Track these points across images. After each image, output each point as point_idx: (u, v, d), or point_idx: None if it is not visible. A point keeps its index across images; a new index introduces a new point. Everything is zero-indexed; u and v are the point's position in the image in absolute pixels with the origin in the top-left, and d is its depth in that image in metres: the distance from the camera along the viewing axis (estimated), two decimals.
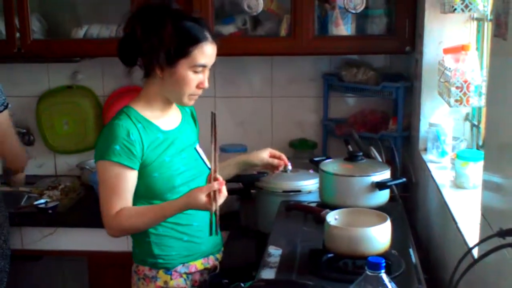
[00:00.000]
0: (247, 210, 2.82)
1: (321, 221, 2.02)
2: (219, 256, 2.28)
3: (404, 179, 2.32)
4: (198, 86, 2.06)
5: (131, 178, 2.03)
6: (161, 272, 2.13)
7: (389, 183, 2.22)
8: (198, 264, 2.19)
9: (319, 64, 3.29)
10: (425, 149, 2.61)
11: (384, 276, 1.50)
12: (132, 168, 2.02)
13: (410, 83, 2.97)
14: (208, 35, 2.04)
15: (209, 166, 2.21)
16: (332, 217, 1.92)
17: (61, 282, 3.56)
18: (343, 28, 2.96)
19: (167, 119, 2.16)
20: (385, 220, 1.85)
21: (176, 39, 1.98)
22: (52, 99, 3.43)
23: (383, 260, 1.50)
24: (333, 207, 2.11)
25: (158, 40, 1.98)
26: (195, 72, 2.03)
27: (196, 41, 2.01)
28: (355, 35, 2.97)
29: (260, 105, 3.37)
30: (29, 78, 3.47)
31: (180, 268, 2.15)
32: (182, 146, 2.17)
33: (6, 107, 2.49)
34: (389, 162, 2.75)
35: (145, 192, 2.08)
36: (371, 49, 2.95)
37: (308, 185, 2.54)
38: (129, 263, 2.23)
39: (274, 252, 1.99)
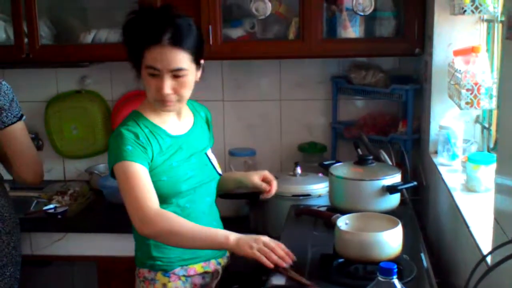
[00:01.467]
0: (256, 214, 2.81)
1: (331, 225, 2.01)
2: (222, 260, 2.25)
3: (415, 183, 2.30)
4: (157, 91, 1.99)
5: (146, 173, 2.01)
6: (159, 274, 2.12)
7: (399, 187, 2.20)
8: (198, 268, 2.17)
9: (328, 66, 3.27)
10: (436, 152, 2.59)
11: (396, 281, 1.49)
12: (145, 167, 2.01)
13: (419, 85, 2.95)
14: (164, 38, 1.94)
15: (219, 171, 2.23)
16: (343, 222, 1.91)
17: (70, 287, 3.56)
18: (351, 30, 2.94)
19: (176, 123, 2.15)
20: (396, 225, 1.83)
21: (131, 42, 2.01)
22: (61, 104, 3.43)
23: (395, 266, 1.49)
24: (343, 211, 2.10)
25: (125, 43, 2.03)
26: (152, 75, 1.98)
27: (146, 43, 1.96)
28: (364, 37, 2.96)
29: (268, 109, 3.36)
30: (38, 83, 3.47)
31: (178, 271, 2.13)
32: (191, 151, 2.15)
33: (20, 119, 2.47)
34: (399, 165, 2.73)
35: None
36: (380, 52, 2.93)
37: (318, 189, 2.53)
38: None
39: None
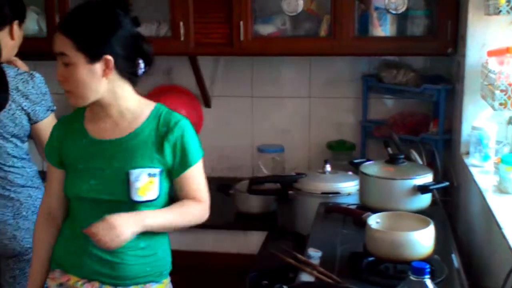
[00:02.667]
0: (284, 211, 2.81)
1: (361, 223, 2.01)
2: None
3: (447, 183, 2.29)
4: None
5: (50, 172, 2.06)
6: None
7: (431, 187, 2.19)
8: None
9: (358, 64, 3.26)
10: (467, 153, 2.57)
11: (428, 281, 1.48)
12: (49, 162, 2.05)
13: (451, 85, 2.92)
14: (59, 25, 1.95)
15: (134, 197, 1.89)
16: (374, 220, 1.90)
17: None
18: (380, 29, 2.93)
19: (106, 126, 1.97)
20: (428, 225, 1.82)
21: None
22: None
23: (428, 266, 1.48)
24: (373, 210, 2.09)
25: None
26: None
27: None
28: (395, 36, 2.93)
29: (298, 106, 3.35)
30: None
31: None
32: (106, 161, 1.94)
33: (53, 111, 2.49)
34: (430, 165, 2.71)
35: None
36: (412, 51, 2.91)
37: (347, 187, 2.52)
38: None
39: (314, 254, 1.97)
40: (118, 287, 1.96)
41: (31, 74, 2.44)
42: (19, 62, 2.57)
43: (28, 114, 2.41)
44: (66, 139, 2.01)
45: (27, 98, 2.40)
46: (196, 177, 2.01)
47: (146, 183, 1.91)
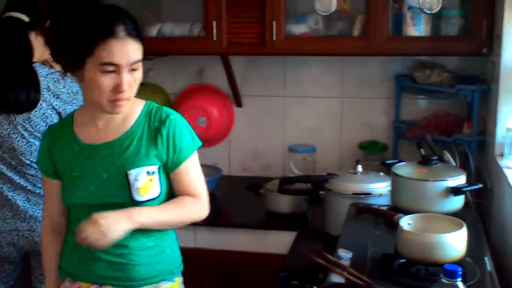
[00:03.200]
0: (315, 211, 2.81)
1: (393, 225, 1.99)
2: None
3: (480, 185, 2.26)
4: (115, 90, 1.79)
5: (46, 184, 2.06)
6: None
7: (464, 189, 2.16)
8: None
9: (391, 65, 3.23)
10: (501, 155, 2.53)
11: (460, 284, 1.47)
12: (44, 174, 2.05)
13: (486, 85, 2.88)
14: (119, 31, 1.76)
15: (136, 197, 1.88)
16: (406, 222, 1.88)
17: None
18: (414, 29, 2.90)
19: (97, 130, 1.93)
20: (461, 227, 1.80)
21: (76, 37, 1.76)
22: None
23: (460, 268, 1.47)
24: (405, 212, 2.07)
25: (58, 39, 1.81)
26: (106, 72, 1.77)
27: (99, 37, 1.75)
28: (430, 36, 2.90)
29: (329, 106, 3.34)
30: None
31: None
32: (104, 165, 1.91)
33: None
34: (463, 166, 2.68)
35: None
36: (446, 51, 2.88)
37: (379, 188, 2.50)
38: None
39: (344, 255, 1.96)
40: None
41: (63, 73, 2.45)
42: (53, 63, 2.60)
43: (59, 114, 2.42)
44: (57, 148, 1.97)
45: (58, 98, 2.41)
46: (191, 172, 1.96)
47: (146, 181, 1.89)
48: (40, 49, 2.46)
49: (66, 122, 2.00)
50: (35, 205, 2.46)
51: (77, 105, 2.45)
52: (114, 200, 1.88)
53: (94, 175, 1.90)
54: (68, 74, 2.28)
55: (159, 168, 1.91)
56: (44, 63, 2.51)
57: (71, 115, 2.01)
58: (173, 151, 1.92)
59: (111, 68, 1.76)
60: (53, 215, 2.05)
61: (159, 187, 1.91)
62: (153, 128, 1.92)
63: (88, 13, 1.79)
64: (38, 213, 2.46)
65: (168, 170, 1.94)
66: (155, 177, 1.91)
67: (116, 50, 1.75)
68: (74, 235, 1.84)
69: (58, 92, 2.41)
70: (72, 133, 1.95)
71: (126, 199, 1.87)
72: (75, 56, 1.78)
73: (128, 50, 1.77)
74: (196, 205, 1.96)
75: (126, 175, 1.87)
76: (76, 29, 1.77)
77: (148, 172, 1.89)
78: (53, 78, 2.42)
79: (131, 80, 1.81)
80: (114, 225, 1.80)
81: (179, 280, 2.04)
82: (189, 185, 1.96)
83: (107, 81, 1.77)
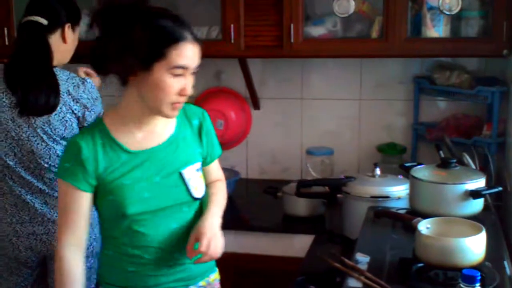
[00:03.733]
0: (332, 215, 2.80)
1: (411, 229, 1.97)
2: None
3: (500, 188, 2.23)
4: (180, 93, 1.82)
5: (79, 198, 1.86)
6: None
7: (484, 192, 2.14)
8: None
9: (410, 66, 3.21)
10: None
11: None
12: (79, 189, 1.85)
13: (506, 87, 2.85)
14: (187, 35, 1.80)
15: (195, 194, 1.95)
16: (424, 226, 1.86)
17: None
18: (434, 30, 2.87)
19: (138, 137, 1.91)
20: (480, 231, 1.77)
21: (148, 40, 1.76)
22: None
23: (479, 273, 1.45)
24: (424, 215, 2.04)
25: (126, 41, 1.77)
26: (174, 75, 1.79)
27: (172, 41, 1.77)
28: (449, 37, 2.88)
29: (348, 108, 3.32)
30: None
31: None
32: (155, 170, 1.90)
33: None
34: (483, 169, 2.65)
35: (99, 216, 1.97)
36: (466, 52, 2.85)
37: (397, 191, 2.48)
38: None
39: (362, 259, 1.94)
40: (189, 287, 2.02)
41: (83, 79, 2.47)
42: (94, 75, 2.60)
43: (78, 118, 2.44)
44: (101, 159, 1.86)
45: (77, 102, 2.43)
46: (217, 161, 2.12)
47: (197, 178, 1.96)
48: (59, 53, 2.49)
49: (99, 131, 1.88)
50: (52, 208, 2.47)
51: (95, 111, 2.47)
52: (173, 202, 1.92)
53: (146, 181, 1.89)
54: (88, 79, 2.29)
55: (201, 164, 2.01)
56: (88, 75, 2.55)
57: (101, 123, 1.90)
58: (212, 146, 2.04)
59: (180, 71, 1.79)
60: (79, 234, 1.90)
61: (204, 182, 2.01)
62: (195, 125, 2.00)
63: (158, 16, 1.81)
64: (56, 216, 2.47)
65: (207, 163, 2.06)
66: (201, 173, 2.00)
67: (187, 54, 1.79)
68: (131, 247, 1.91)
69: (78, 97, 2.43)
70: (114, 141, 1.88)
71: (185, 198, 1.94)
72: (144, 58, 1.77)
73: (195, 54, 1.82)
74: (224, 186, 2.13)
75: (181, 175, 1.92)
76: (148, 32, 1.77)
77: (197, 169, 1.97)
78: (73, 83, 2.43)
79: (192, 84, 1.86)
80: (219, 230, 1.94)
81: (218, 270, 2.13)
82: (218, 172, 2.13)
83: (175, 84, 1.80)
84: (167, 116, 1.87)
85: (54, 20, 2.45)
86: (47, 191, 2.46)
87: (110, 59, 1.81)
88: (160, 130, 1.94)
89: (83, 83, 2.45)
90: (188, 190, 1.93)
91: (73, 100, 2.42)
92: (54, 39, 2.46)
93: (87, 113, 2.45)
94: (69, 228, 1.88)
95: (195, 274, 2.01)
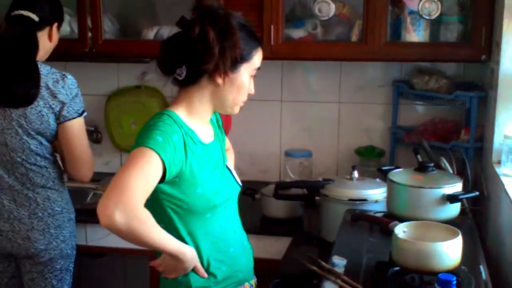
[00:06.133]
0: (310, 217, 2.79)
1: (388, 232, 1.98)
2: (253, 282, 2.18)
3: (477, 193, 2.24)
4: (248, 93, 2.00)
5: (158, 173, 1.76)
6: None
7: (461, 196, 2.15)
8: None
9: (389, 70, 3.22)
10: (499, 162, 2.51)
11: None
12: (165, 166, 1.77)
13: (484, 92, 2.87)
14: (259, 39, 2.01)
15: (240, 183, 2.10)
16: (401, 230, 1.87)
17: (123, 279, 3.60)
18: (414, 34, 2.89)
19: (205, 131, 2.00)
20: (456, 235, 1.78)
21: (243, 43, 1.88)
22: (121, 98, 3.47)
23: (455, 278, 1.45)
24: (401, 219, 2.05)
25: (230, 43, 1.85)
26: (250, 77, 1.96)
27: (258, 44, 1.95)
28: (428, 41, 2.89)
29: (327, 111, 3.33)
30: (99, 77, 3.53)
31: None
32: (215, 162, 2.00)
33: (80, 115, 2.50)
34: (460, 173, 2.66)
35: (183, 210, 1.90)
36: (445, 57, 2.87)
37: (375, 194, 2.49)
38: None
39: (339, 262, 1.95)
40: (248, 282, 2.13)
41: (64, 74, 2.47)
42: None
43: (54, 114, 2.43)
44: (188, 148, 1.87)
45: (55, 97, 2.42)
46: None
47: (233, 168, 2.13)
48: (45, 50, 2.53)
49: (177, 122, 1.88)
50: (20, 206, 2.45)
51: (74, 108, 2.45)
52: (236, 193, 2.08)
53: (213, 173, 1.97)
54: (69, 76, 2.37)
55: None
56: None
57: (176, 116, 1.89)
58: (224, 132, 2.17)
59: (255, 73, 1.98)
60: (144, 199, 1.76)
61: None
62: (214, 120, 2.11)
63: (246, 22, 1.94)
64: (23, 214, 2.45)
65: None
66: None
67: (261, 57, 1.98)
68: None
69: (56, 92, 2.42)
70: (193, 132, 1.92)
71: (239, 188, 2.09)
72: (237, 60, 1.89)
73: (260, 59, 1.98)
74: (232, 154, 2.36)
75: (227, 167, 2.07)
76: (243, 35, 1.89)
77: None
78: (53, 78, 2.44)
79: None
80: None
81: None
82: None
83: (249, 84, 1.96)
84: (231, 113, 2.02)
85: (44, 18, 2.50)
86: (16, 187, 2.44)
87: (208, 59, 1.85)
88: (209, 127, 2.05)
89: (63, 78, 2.44)
90: (236, 180, 2.08)
91: (51, 95, 2.41)
92: (42, 36, 2.50)
93: (64, 108, 2.44)
94: (140, 193, 1.72)
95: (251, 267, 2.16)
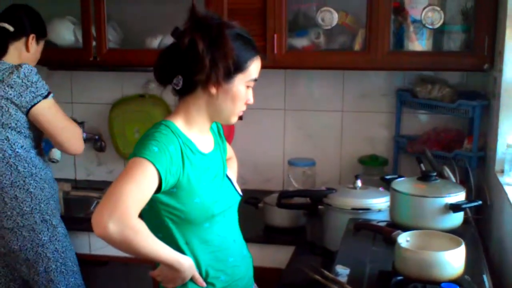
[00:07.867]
0: (313, 226, 2.79)
1: (391, 242, 1.97)
2: None
3: (480, 202, 2.24)
4: (246, 103, 1.98)
5: (154, 183, 1.77)
6: None
7: (464, 206, 2.14)
8: None
9: (392, 79, 3.23)
10: (502, 171, 2.52)
11: None
12: (161, 176, 1.77)
13: (487, 101, 2.87)
14: (257, 49, 1.97)
15: (240, 193, 2.10)
16: (404, 239, 1.87)
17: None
18: (417, 43, 2.89)
19: (204, 141, 2.00)
20: (459, 245, 1.78)
21: (237, 53, 1.87)
22: (125, 107, 3.48)
23: (457, 287, 1.45)
24: (404, 228, 2.05)
25: (221, 54, 1.84)
26: (247, 87, 1.94)
27: (254, 54, 1.93)
28: (431, 50, 2.90)
29: (330, 119, 3.33)
30: (104, 85, 3.54)
31: None
32: (215, 172, 2.01)
33: (46, 97, 2.54)
34: (463, 182, 2.66)
35: (181, 220, 1.89)
36: (448, 66, 2.87)
37: (378, 203, 2.48)
38: None
39: (342, 271, 1.94)
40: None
41: (19, 65, 2.57)
42: None
43: (13, 103, 2.51)
44: (185, 157, 1.88)
45: (11, 87, 2.51)
46: None
47: (234, 177, 2.13)
48: (21, 59, 2.66)
49: (175, 132, 1.88)
50: None
51: (34, 93, 2.53)
52: (235, 202, 2.07)
53: (212, 182, 1.98)
54: (24, 65, 2.51)
55: None
56: None
57: (174, 126, 1.90)
58: (225, 142, 2.18)
59: (252, 83, 1.95)
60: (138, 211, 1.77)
61: None
62: (215, 129, 2.11)
63: (241, 31, 1.93)
64: None
65: None
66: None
67: (259, 67, 1.97)
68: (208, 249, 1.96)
69: (11, 82, 2.51)
70: (190, 142, 1.92)
71: (238, 197, 2.09)
72: (230, 70, 1.87)
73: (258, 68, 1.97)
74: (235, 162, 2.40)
75: (227, 177, 2.07)
76: (238, 45, 1.88)
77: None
78: (7, 70, 2.54)
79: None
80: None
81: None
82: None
83: (247, 94, 1.95)
84: (228, 123, 2.01)
85: (19, 29, 2.66)
86: None
87: (186, 69, 1.87)
88: (209, 136, 2.05)
89: (17, 68, 2.54)
90: (236, 189, 2.08)
91: (7, 86, 2.51)
92: (18, 45, 2.67)
93: (23, 95, 2.51)
94: (134, 205, 1.72)
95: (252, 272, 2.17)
